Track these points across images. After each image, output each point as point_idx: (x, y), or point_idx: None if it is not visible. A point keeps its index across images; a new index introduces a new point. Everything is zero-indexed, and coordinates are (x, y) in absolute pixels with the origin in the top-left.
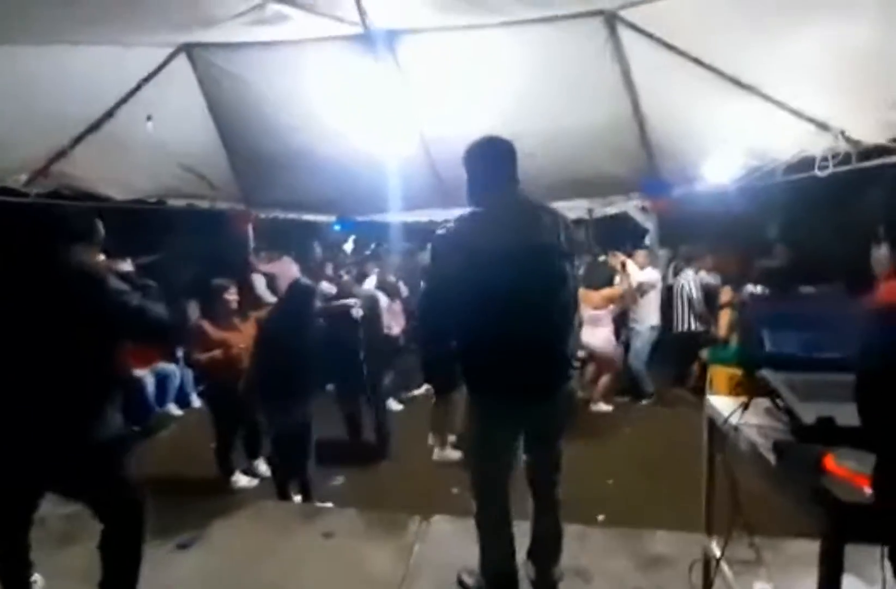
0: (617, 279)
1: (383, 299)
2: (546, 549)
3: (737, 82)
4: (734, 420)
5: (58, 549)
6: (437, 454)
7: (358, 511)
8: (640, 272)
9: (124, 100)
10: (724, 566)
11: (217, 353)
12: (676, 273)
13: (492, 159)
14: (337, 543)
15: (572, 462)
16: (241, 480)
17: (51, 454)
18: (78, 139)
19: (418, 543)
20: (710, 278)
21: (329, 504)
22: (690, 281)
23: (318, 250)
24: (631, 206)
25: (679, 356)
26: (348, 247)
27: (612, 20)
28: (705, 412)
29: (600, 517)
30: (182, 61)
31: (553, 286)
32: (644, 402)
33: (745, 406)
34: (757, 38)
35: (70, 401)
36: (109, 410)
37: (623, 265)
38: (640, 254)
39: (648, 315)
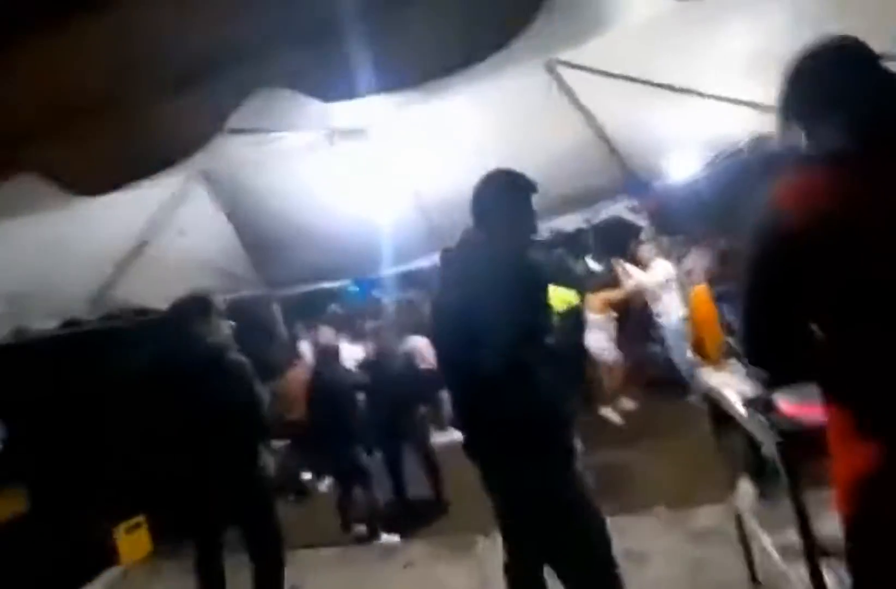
0: (624, 282)
1: (423, 341)
2: None
3: (671, 88)
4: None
5: None
6: None
7: (426, 540)
8: (644, 272)
9: (154, 225)
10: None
11: None
12: (679, 260)
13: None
14: (416, 571)
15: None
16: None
17: (229, 493)
18: (121, 266)
19: (487, 559)
20: None
21: (396, 536)
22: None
23: (339, 312)
24: (621, 208)
25: None
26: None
27: (548, 62)
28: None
29: (660, 507)
30: (198, 178)
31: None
32: (691, 398)
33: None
34: (677, 48)
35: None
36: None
37: (623, 270)
38: (644, 249)
39: (673, 307)
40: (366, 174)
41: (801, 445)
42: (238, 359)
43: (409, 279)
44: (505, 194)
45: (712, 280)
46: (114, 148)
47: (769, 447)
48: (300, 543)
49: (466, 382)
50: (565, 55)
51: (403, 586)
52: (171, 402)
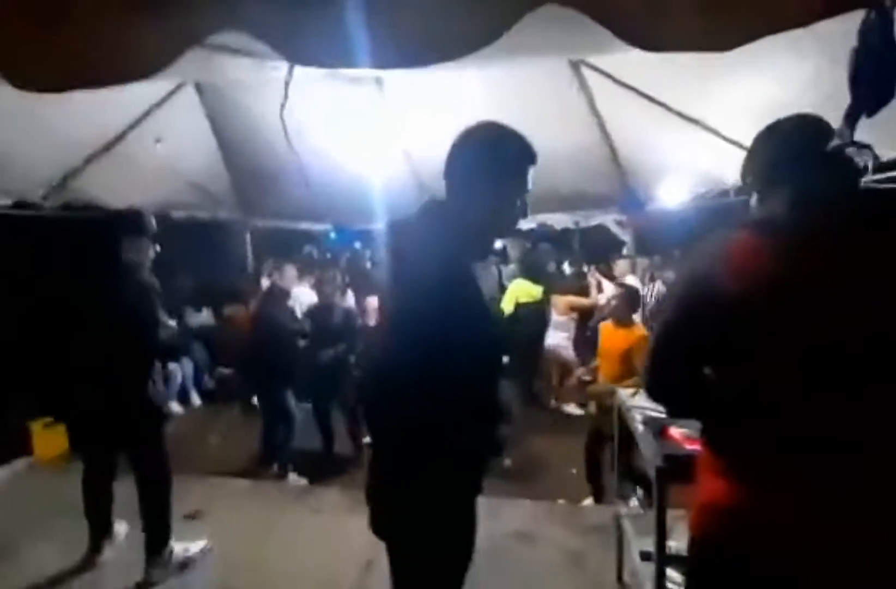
0: (593, 293)
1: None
2: None
3: (682, 116)
4: (629, 403)
5: None
6: None
7: (341, 489)
8: (615, 288)
9: (134, 124)
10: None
11: None
12: (652, 280)
13: None
14: (324, 518)
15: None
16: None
17: (117, 409)
18: (90, 159)
19: None
20: None
21: (304, 480)
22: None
23: (313, 255)
24: (609, 219)
25: None
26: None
27: (575, 62)
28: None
29: (560, 501)
30: (188, 88)
31: None
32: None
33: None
34: (701, 81)
35: (131, 370)
36: (155, 382)
37: (599, 284)
38: (621, 263)
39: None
40: (367, 124)
41: (678, 468)
42: (149, 281)
43: None
44: (497, 156)
45: (616, 317)
46: (70, 51)
47: (651, 465)
48: (215, 468)
49: (397, 372)
50: (594, 60)
51: (308, 530)
52: (80, 305)
